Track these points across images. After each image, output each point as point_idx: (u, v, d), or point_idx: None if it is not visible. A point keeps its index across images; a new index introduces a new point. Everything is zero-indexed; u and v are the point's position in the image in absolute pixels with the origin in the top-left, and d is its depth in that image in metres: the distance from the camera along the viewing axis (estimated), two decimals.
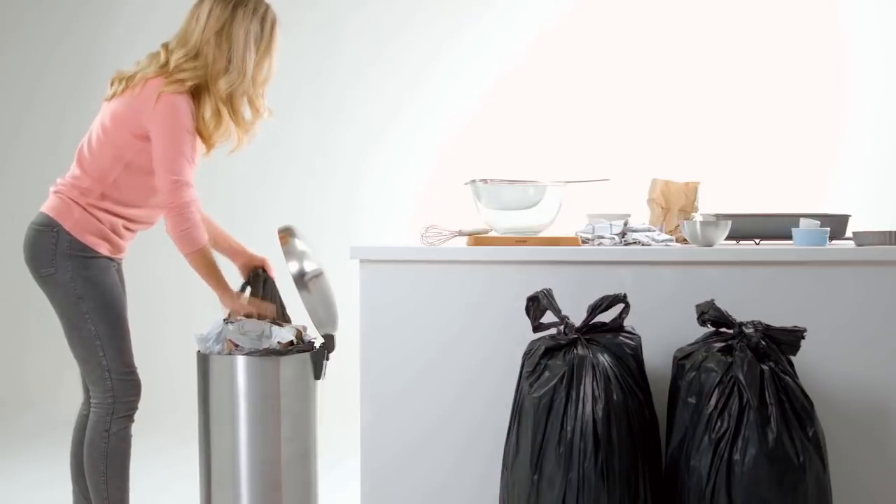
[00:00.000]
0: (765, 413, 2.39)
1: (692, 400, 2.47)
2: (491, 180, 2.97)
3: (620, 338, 2.55)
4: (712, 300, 2.53)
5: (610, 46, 5.84)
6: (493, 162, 5.05)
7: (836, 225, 3.14)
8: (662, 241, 2.91)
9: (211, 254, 2.79)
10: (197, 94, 2.75)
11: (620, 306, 2.54)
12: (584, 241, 2.95)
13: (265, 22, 2.79)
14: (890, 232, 2.89)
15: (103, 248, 2.77)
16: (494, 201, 2.96)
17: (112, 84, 2.82)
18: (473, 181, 2.97)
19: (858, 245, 2.90)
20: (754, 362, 2.43)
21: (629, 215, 3.12)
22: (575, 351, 2.50)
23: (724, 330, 2.54)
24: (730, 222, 2.84)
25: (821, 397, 2.63)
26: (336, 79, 5.96)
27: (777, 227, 3.11)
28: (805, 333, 2.49)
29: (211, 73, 2.74)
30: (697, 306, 2.54)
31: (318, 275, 2.83)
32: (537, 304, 2.54)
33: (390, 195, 5.90)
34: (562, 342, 2.52)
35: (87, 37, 5.94)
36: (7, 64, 6.04)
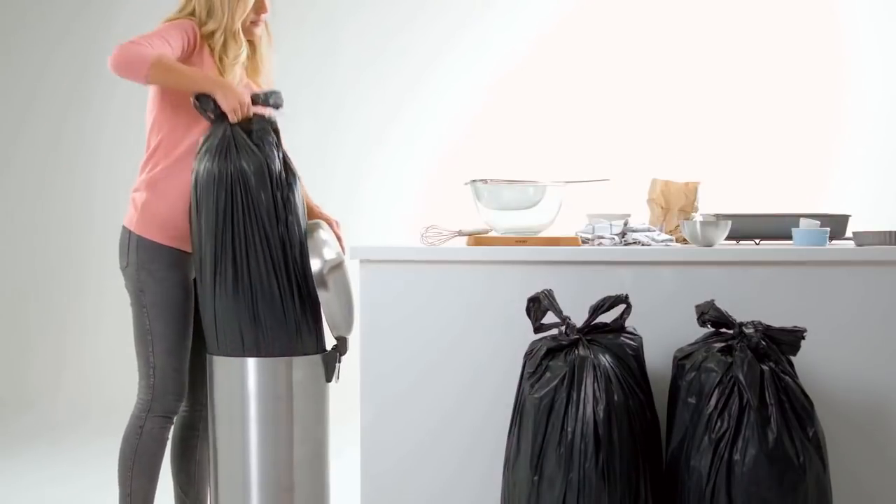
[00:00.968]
0: (765, 413, 2.39)
1: (692, 400, 2.47)
2: (491, 180, 2.97)
3: (622, 338, 2.55)
4: (712, 300, 2.53)
5: (610, 47, 5.84)
6: (493, 162, 5.05)
7: (836, 225, 3.14)
8: (662, 241, 2.91)
9: (170, 57, 2.64)
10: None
11: (622, 307, 2.54)
12: (584, 241, 2.95)
13: None
14: (890, 232, 2.89)
15: (175, 242, 2.75)
16: (494, 201, 2.96)
17: None
18: (473, 181, 2.97)
19: (858, 245, 2.90)
20: (754, 362, 2.43)
21: (629, 215, 3.12)
22: (576, 352, 2.50)
23: (724, 330, 2.55)
24: (730, 222, 2.84)
25: (821, 397, 2.63)
26: (336, 79, 5.96)
27: (777, 227, 3.11)
28: (805, 333, 2.49)
29: (200, 19, 2.77)
30: (697, 306, 2.54)
31: (337, 265, 2.80)
32: (538, 305, 2.54)
33: (390, 195, 5.90)
34: (563, 343, 2.52)
35: (87, 37, 5.94)
36: (8, 64, 6.04)
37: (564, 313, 2.54)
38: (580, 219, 3.11)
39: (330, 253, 2.80)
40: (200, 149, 2.73)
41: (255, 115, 2.76)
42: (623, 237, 2.93)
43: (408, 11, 5.95)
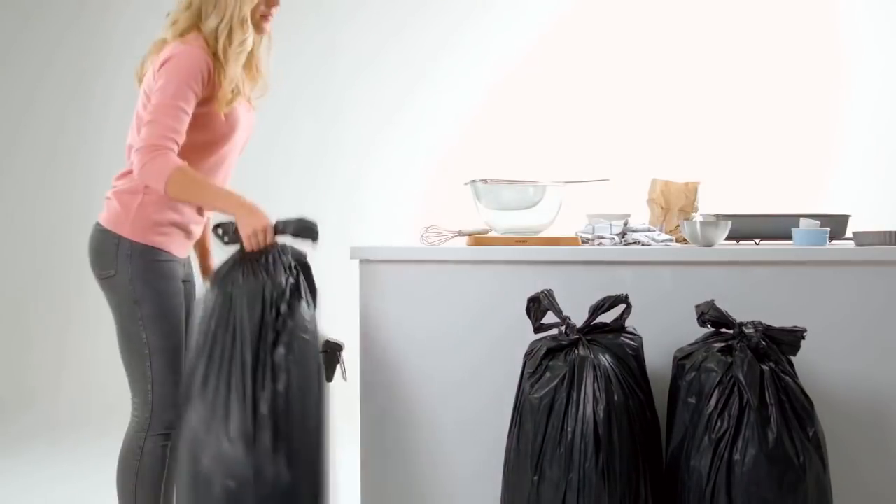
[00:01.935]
0: (765, 413, 2.39)
1: (692, 400, 2.47)
2: (491, 180, 2.97)
3: (622, 338, 2.55)
4: (712, 300, 2.53)
5: (610, 47, 5.85)
6: (493, 162, 5.05)
7: (836, 225, 3.14)
8: (662, 241, 2.91)
9: (192, 171, 2.52)
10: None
11: (622, 307, 2.54)
12: (584, 241, 2.95)
13: None
14: (890, 232, 2.89)
15: (173, 246, 2.65)
16: (494, 201, 2.96)
17: (143, 65, 2.74)
18: (473, 181, 2.97)
19: (858, 245, 2.90)
20: (754, 362, 2.43)
21: (629, 215, 3.12)
22: (576, 352, 2.50)
23: (724, 330, 2.55)
24: (730, 222, 2.84)
25: (821, 397, 2.63)
26: (336, 79, 5.96)
27: (777, 227, 3.11)
28: (805, 333, 2.49)
29: (202, 17, 2.65)
30: (697, 306, 2.54)
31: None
32: (538, 305, 2.54)
33: (390, 195, 5.90)
34: (563, 343, 2.52)
35: (87, 37, 5.94)
36: (8, 64, 6.04)
37: (564, 313, 2.54)
38: (580, 219, 3.12)
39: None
40: (212, 276, 2.60)
41: (275, 244, 2.56)
42: (623, 237, 2.93)
43: (407, 12, 5.95)
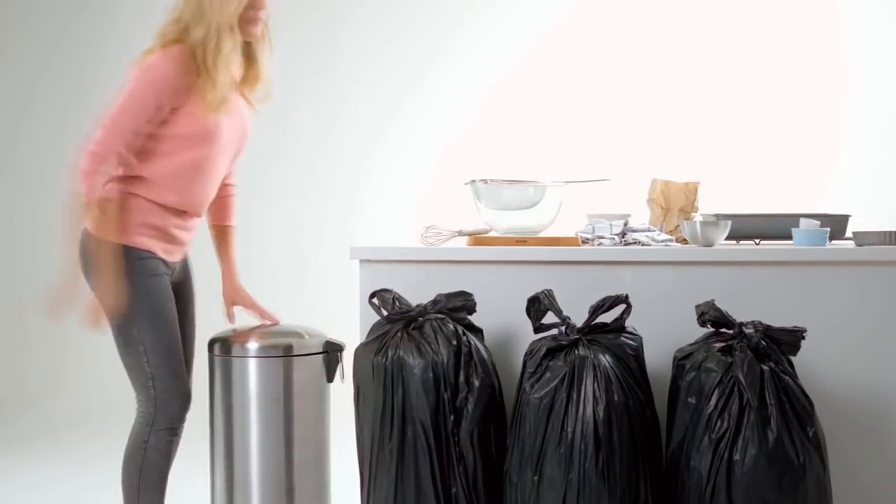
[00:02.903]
0: (765, 413, 2.39)
1: (692, 400, 2.47)
2: (491, 180, 2.97)
3: (622, 338, 2.55)
4: (712, 300, 2.53)
5: (610, 47, 5.85)
6: (493, 162, 5.05)
7: (836, 225, 3.14)
8: (662, 241, 2.91)
9: (94, 211, 2.67)
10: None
11: (622, 307, 2.54)
12: (584, 241, 2.95)
13: None
14: (890, 232, 2.89)
15: (154, 246, 2.67)
16: (494, 201, 2.96)
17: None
18: (473, 181, 2.97)
19: (858, 245, 2.90)
20: (754, 362, 2.43)
21: (629, 215, 3.12)
22: (576, 352, 2.50)
23: (724, 330, 2.55)
24: (730, 222, 2.84)
25: (821, 397, 2.63)
26: (336, 79, 5.96)
27: (777, 227, 3.11)
28: (805, 333, 2.49)
29: (188, 30, 2.63)
30: (697, 306, 2.54)
31: None
32: (538, 305, 2.54)
33: (390, 195, 5.90)
34: (563, 343, 2.52)
35: (87, 37, 5.94)
36: (7, 64, 6.04)
37: (564, 313, 2.54)
38: (580, 219, 3.11)
39: None
40: None
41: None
42: (623, 237, 2.93)
43: (407, 11, 5.95)
